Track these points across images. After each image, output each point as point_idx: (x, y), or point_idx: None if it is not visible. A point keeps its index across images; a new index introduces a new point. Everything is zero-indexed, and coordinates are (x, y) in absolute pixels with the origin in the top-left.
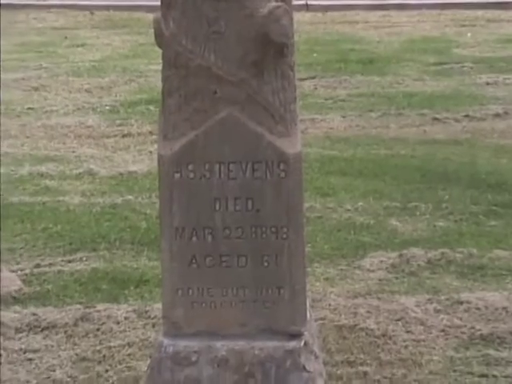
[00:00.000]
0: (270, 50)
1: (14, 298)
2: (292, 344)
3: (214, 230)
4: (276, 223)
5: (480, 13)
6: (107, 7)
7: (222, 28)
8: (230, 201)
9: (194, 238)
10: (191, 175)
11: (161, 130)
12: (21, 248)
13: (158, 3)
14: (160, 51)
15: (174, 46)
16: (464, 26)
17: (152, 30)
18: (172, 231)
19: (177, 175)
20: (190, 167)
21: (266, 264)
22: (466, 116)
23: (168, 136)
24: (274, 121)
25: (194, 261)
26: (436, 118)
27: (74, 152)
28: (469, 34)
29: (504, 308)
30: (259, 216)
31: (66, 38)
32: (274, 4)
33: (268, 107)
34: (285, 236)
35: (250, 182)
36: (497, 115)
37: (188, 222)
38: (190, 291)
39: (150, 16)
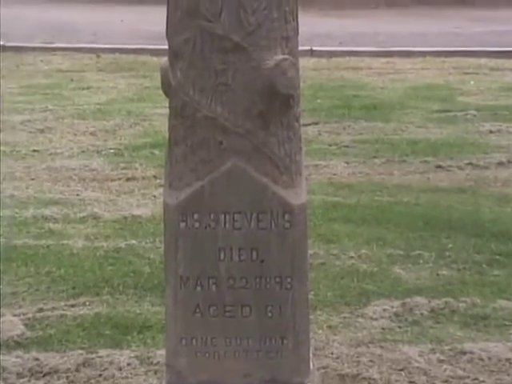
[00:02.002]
0: (277, 102)
1: (16, 342)
2: None
3: (218, 280)
4: (280, 274)
5: (483, 61)
6: (113, 50)
7: (229, 80)
8: (234, 251)
9: (199, 288)
10: (196, 225)
11: (167, 178)
12: (24, 292)
13: (164, 47)
14: (164, 96)
15: (180, 95)
16: (467, 73)
17: (157, 74)
18: (177, 279)
19: (182, 224)
20: (196, 217)
21: (269, 314)
22: (470, 164)
23: (174, 185)
24: (279, 171)
25: (197, 310)
26: (440, 166)
27: (78, 195)
28: (472, 82)
29: (507, 359)
30: (264, 266)
31: (71, 80)
32: (280, 56)
33: (273, 158)
34: (289, 286)
35: (255, 232)
36: (500, 164)
37: (193, 271)
38: (194, 341)
39: (156, 59)
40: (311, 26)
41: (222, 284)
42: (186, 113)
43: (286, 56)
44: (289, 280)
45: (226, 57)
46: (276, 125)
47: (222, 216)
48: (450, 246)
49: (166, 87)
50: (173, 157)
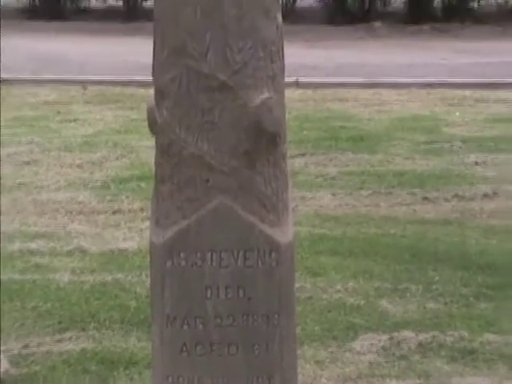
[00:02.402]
0: (263, 140)
1: (1, 380)
2: None
3: (205, 319)
4: (267, 311)
5: (468, 92)
6: (100, 82)
7: (216, 118)
8: (221, 289)
9: (186, 326)
10: (183, 263)
11: (153, 216)
12: (9, 327)
13: (150, 79)
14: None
15: (167, 134)
16: (453, 105)
17: (144, 105)
18: (163, 318)
19: (168, 263)
20: (182, 255)
21: (256, 352)
22: (456, 196)
23: (160, 223)
24: (265, 210)
25: (184, 349)
26: (426, 198)
27: (64, 228)
28: (457, 113)
29: None
30: (250, 304)
31: (58, 112)
32: (266, 95)
33: (260, 196)
34: (276, 323)
35: (242, 270)
36: (486, 195)
37: (179, 309)
38: (181, 379)
39: (143, 91)
40: (297, 57)
41: (209, 322)
42: (173, 151)
43: (272, 94)
44: (276, 317)
45: (212, 95)
46: (262, 163)
47: (209, 254)
48: (437, 278)
49: (153, 125)
50: (159, 195)
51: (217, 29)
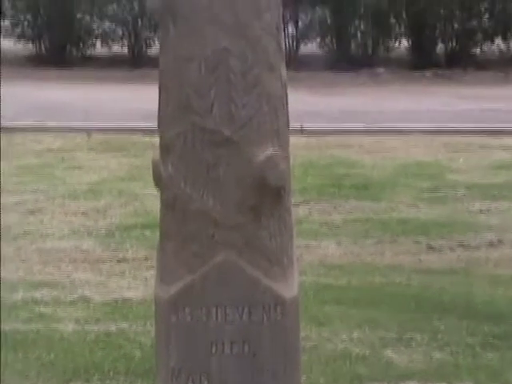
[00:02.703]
0: (268, 195)
1: None
2: None
3: (209, 375)
4: (273, 365)
5: (472, 138)
6: (104, 129)
7: (221, 173)
8: (226, 344)
9: (190, 382)
10: (188, 318)
11: (158, 271)
12: (12, 378)
13: (155, 126)
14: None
15: (172, 189)
16: (456, 151)
17: (148, 153)
18: (168, 372)
19: (173, 318)
20: (187, 310)
21: None
22: (461, 244)
23: (165, 278)
24: (270, 264)
25: None
26: (431, 246)
27: (68, 277)
28: (461, 160)
29: None
30: (256, 359)
31: (63, 159)
32: (271, 150)
33: (265, 251)
34: (281, 376)
35: (247, 325)
36: (491, 244)
37: (184, 364)
38: None
39: (147, 139)
40: (301, 104)
41: (214, 378)
42: (178, 206)
43: (277, 149)
44: (281, 371)
45: (217, 151)
46: (267, 217)
47: (214, 309)
48: (443, 328)
49: (157, 179)
50: (164, 250)
51: (221, 84)
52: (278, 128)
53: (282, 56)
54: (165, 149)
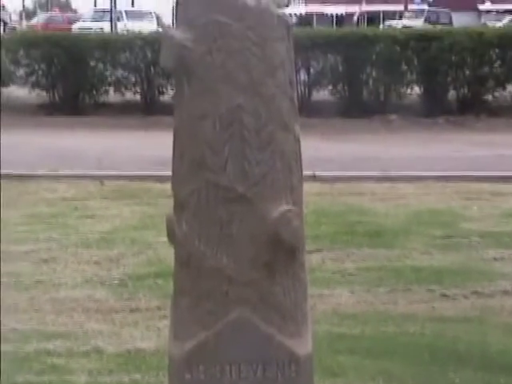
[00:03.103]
0: (282, 252)
1: None
2: None
3: None
4: None
5: (484, 185)
6: (117, 177)
7: (235, 230)
8: None
9: None
10: (202, 376)
11: (172, 328)
12: None
13: (168, 173)
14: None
15: (186, 246)
16: (469, 198)
17: (162, 200)
18: None
19: (187, 376)
20: (201, 368)
21: None
22: (475, 292)
23: (179, 336)
24: (284, 321)
25: None
26: (445, 295)
27: (81, 327)
28: (474, 208)
29: None
30: None
31: (76, 208)
32: (285, 207)
33: (279, 308)
34: None
35: (261, 382)
36: (505, 292)
37: None
38: None
39: (160, 185)
40: (314, 151)
41: None
42: (192, 263)
43: (291, 206)
44: None
45: (231, 208)
46: (281, 274)
47: (228, 367)
48: (458, 380)
49: (172, 237)
50: (178, 307)
51: (235, 141)
52: (292, 185)
53: (296, 112)
54: (179, 206)
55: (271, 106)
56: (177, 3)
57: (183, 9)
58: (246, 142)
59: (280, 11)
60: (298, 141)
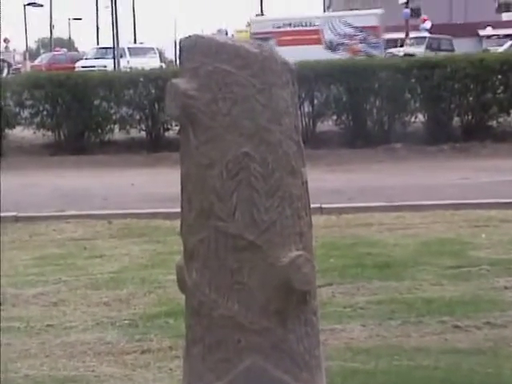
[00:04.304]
0: (293, 298)
1: None
2: None
3: None
4: None
5: (493, 212)
6: (125, 215)
7: (245, 278)
8: None
9: None
10: None
11: (185, 378)
12: None
13: (175, 210)
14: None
15: (197, 295)
16: (478, 226)
17: (170, 238)
18: None
19: None
20: None
21: None
22: (488, 323)
23: None
24: (299, 368)
25: None
26: (457, 326)
27: (93, 371)
28: (483, 235)
29: None
30: None
31: (84, 248)
32: (295, 253)
33: (292, 355)
34: None
35: None
36: None
37: None
38: None
39: (168, 223)
40: (319, 182)
41: None
42: (203, 312)
43: (301, 252)
44: None
45: (240, 255)
46: (293, 321)
47: None
48: None
49: (182, 285)
50: (191, 356)
51: (243, 189)
52: (301, 230)
53: (302, 156)
54: (188, 254)
55: (278, 152)
56: (180, 52)
57: (187, 58)
58: (254, 189)
59: (282, 57)
60: (305, 184)
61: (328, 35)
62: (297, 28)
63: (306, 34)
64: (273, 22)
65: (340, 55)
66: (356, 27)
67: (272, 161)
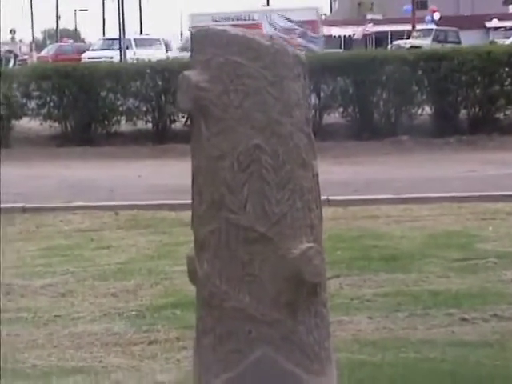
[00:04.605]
0: (304, 290)
1: None
2: None
3: None
4: None
5: (500, 205)
6: (131, 207)
7: (256, 270)
8: None
9: None
10: None
11: (195, 369)
12: None
13: (182, 201)
14: (184, 253)
15: (208, 286)
16: (484, 219)
17: (176, 229)
18: None
19: None
20: None
21: None
22: (495, 315)
23: (202, 376)
24: (309, 360)
25: None
26: (464, 318)
27: (100, 362)
28: (490, 228)
29: None
30: None
31: (91, 240)
32: (306, 245)
33: (303, 346)
34: None
35: None
36: None
37: None
38: None
39: (174, 214)
40: (326, 175)
41: None
42: (214, 303)
43: (312, 244)
44: None
45: (251, 247)
46: (304, 312)
47: None
48: None
49: (193, 276)
50: (201, 347)
51: (254, 181)
52: (312, 222)
53: (313, 149)
54: (199, 246)
55: (289, 145)
56: (191, 44)
57: (198, 50)
58: (265, 181)
59: (294, 50)
60: (316, 177)
61: (267, 29)
62: (236, 22)
63: (245, 29)
64: (212, 16)
65: None
66: (295, 22)
67: (283, 153)
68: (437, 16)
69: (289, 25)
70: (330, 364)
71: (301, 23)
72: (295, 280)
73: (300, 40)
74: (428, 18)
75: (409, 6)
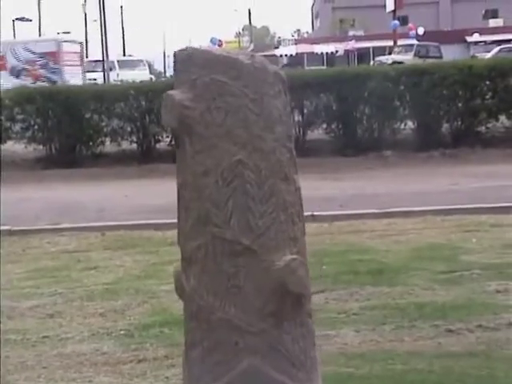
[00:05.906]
0: (288, 301)
1: None
2: None
3: None
4: None
5: (483, 217)
6: (118, 227)
7: (241, 282)
8: None
9: None
10: None
11: (184, 380)
12: None
13: (167, 221)
14: (170, 272)
15: (195, 300)
16: (468, 231)
17: (162, 249)
18: None
19: None
20: None
21: None
22: (480, 326)
23: None
24: (295, 369)
25: None
26: (450, 330)
27: (90, 382)
28: (474, 240)
29: None
30: None
31: (78, 261)
32: (290, 257)
33: (288, 356)
34: None
35: None
36: (510, 325)
37: None
38: None
39: (160, 234)
40: (311, 190)
41: None
42: (201, 316)
43: (295, 256)
44: None
45: (236, 260)
46: (289, 323)
47: None
48: None
49: (180, 291)
50: (190, 360)
51: (238, 196)
52: (295, 235)
53: (295, 163)
54: (186, 261)
55: (271, 160)
56: (175, 64)
57: (183, 69)
58: (249, 195)
59: (274, 67)
60: (298, 191)
61: (11, 61)
62: None
63: None
64: None
65: (24, 81)
66: (36, 53)
67: (265, 168)
68: (421, 31)
69: (31, 56)
70: (315, 372)
71: (43, 54)
72: (280, 291)
73: (42, 71)
74: (413, 32)
75: (396, 22)
